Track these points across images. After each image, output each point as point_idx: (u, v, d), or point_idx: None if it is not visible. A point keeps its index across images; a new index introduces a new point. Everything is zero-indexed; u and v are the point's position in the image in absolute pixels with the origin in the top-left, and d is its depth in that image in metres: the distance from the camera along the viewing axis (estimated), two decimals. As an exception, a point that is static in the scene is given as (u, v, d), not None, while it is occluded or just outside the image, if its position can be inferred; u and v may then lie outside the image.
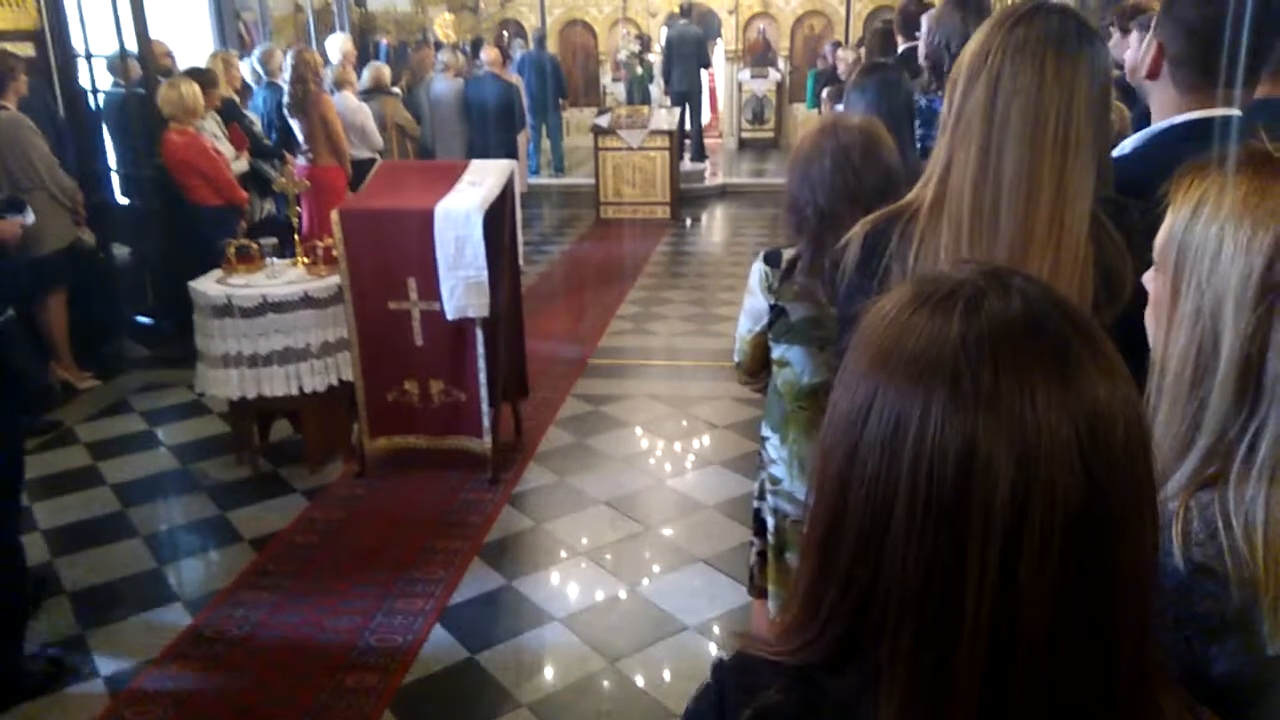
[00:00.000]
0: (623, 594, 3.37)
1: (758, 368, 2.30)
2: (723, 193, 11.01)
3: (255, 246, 4.35)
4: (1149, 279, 0.96)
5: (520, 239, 4.56)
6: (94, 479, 4.27)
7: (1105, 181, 1.35)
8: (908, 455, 0.60)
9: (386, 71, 7.70)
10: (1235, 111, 1.62)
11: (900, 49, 4.52)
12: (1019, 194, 1.31)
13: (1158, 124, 1.64)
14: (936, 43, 2.91)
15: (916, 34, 3.80)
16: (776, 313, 2.15)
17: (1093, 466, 0.58)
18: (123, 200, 6.07)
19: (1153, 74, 1.63)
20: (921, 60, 3.31)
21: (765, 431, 2.30)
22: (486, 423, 4.05)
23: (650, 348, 5.98)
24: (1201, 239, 0.87)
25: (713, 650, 3.05)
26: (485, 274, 3.77)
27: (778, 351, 2.20)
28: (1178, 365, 0.88)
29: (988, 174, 1.32)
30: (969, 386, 0.59)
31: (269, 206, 6.08)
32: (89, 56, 5.95)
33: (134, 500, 4.05)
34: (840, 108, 3.38)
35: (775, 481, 2.27)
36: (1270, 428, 0.82)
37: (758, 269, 2.17)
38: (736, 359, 2.32)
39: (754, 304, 2.20)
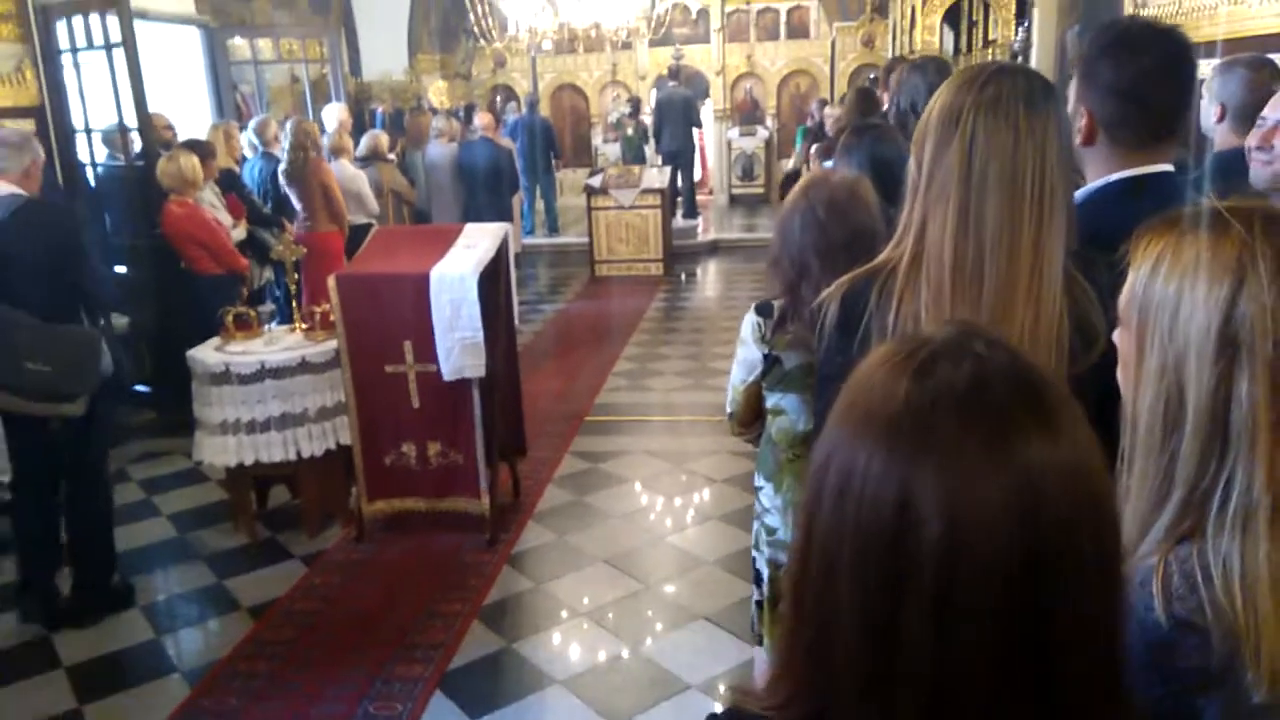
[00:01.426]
0: (625, 654, 3.34)
1: (751, 418, 2.34)
2: (715, 248, 11.14)
3: (254, 313, 4.40)
4: (1116, 336, 0.99)
5: (515, 299, 4.61)
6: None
7: (1072, 236, 1.38)
8: (851, 506, 0.62)
9: (384, 139, 7.85)
10: (1169, 166, 1.66)
11: (886, 106, 4.62)
12: (1001, 251, 1.33)
13: (1094, 182, 1.66)
14: (902, 106, 2.98)
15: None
16: (771, 362, 2.21)
17: (1027, 531, 0.60)
18: (120, 270, 6.13)
19: (1088, 141, 1.65)
20: (890, 121, 3.39)
21: (759, 481, 2.34)
22: (484, 483, 4.05)
23: (647, 403, 5.99)
24: (1161, 296, 0.89)
25: (717, 709, 3.01)
26: (481, 335, 3.81)
27: (772, 400, 2.25)
28: (1148, 420, 0.90)
29: (968, 232, 1.34)
30: (906, 444, 0.61)
31: (268, 274, 6.15)
32: (88, 131, 6.06)
33: (132, 570, 4.03)
34: (829, 164, 3.45)
35: (770, 531, 2.30)
36: (1239, 478, 0.84)
37: (750, 320, 2.24)
38: (730, 409, 2.37)
39: (747, 354, 2.25)
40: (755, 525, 2.35)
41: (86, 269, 3.49)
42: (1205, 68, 3.87)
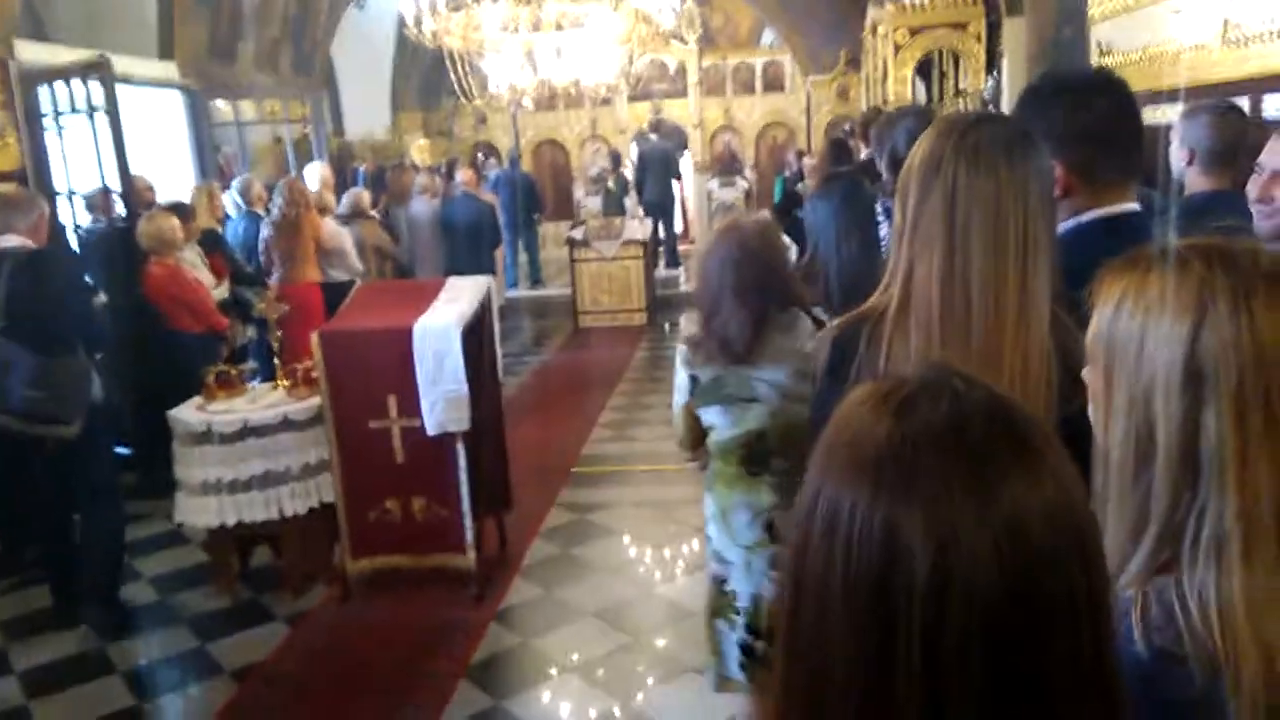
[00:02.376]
0: (616, 710, 3.28)
1: (696, 441, 2.59)
2: (698, 297, 11.19)
3: (235, 372, 4.38)
4: (1086, 374, 1.00)
5: (499, 351, 4.61)
6: (69, 616, 4.16)
7: (1056, 279, 1.41)
8: (840, 545, 0.63)
9: (365, 196, 7.91)
10: (1135, 205, 1.70)
11: (862, 155, 4.70)
12: (988, 296, 1.35)
13: (1064, 223, 1.69)
14: (887, 154, 3.03)
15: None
16: (693, 380, 2.49)
17: (1012, 569, 0.60)
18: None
19: (1067, 192, 1.67)
20: (881, 167, 3.45)
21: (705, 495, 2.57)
22: (470, 538, 4.01)
23: (633, 453, 5.98)
24: (1126, 332, 0.91)
25: (710, 763, 2.96)
26: (465, 388, 3.80)
27: (704, 417, 2.49)
28: (1119, 455, 0.91)
29: (954, 278, 1.36)
30: (890, 485, 0.62)
31: (250, 332, 6.14)
32: (70, 194, 6.08)
33: (111, 636, 3.95)
34: (805, 212, 3.51)
35: (709, 541, 2.51)
36: (1211, 509, 0.85)
37: (680, 350, 2.53)
38: (678, 435, 2.63)
39: (678, 379, 2.54)
40: None
41: (82, 310, 4.00)
42: (1171, 113, 3.97)
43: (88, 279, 4.51)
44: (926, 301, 1.38)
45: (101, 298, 4.68)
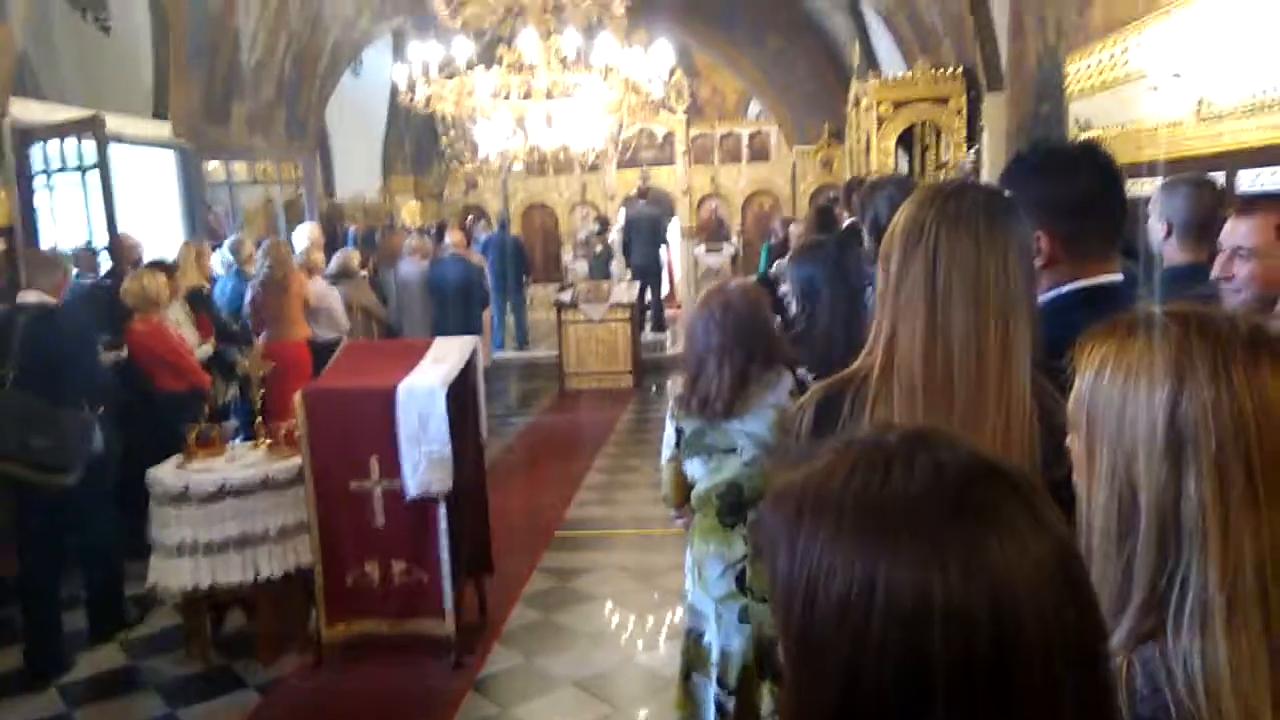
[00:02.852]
0: (595, 783, 3.19)
1: (681, 497, 2.64)
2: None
3: (216, 431, 4.33)
4: (1069, 441, 1.00)
5: (484, 412, 4.59)
6: (41, 679, 4.03)
7: (1039, 344, 1.42)
8: (823, 602, 0.62)
9: (355, 256, 7.94)
10: (1119, 276, 1.72)
11: (846, 223, 4.76)
12: (969, 359, 1.37)
13: (1046, 294, 1.71)
14: (869, 221, 3.07)
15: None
16: (679, 433, 2.57)
17: (1002, 622, 0.59)
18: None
19: (1051, 262, 1.69)
20: (869, 241, 3.49)
21: None
22: (449, 603, 3.93)
23: (617, 517, 5.92)
24: (1106, 399, 0.91)
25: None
26: (449, 449, 3.77)
27: (687, 469, 2.57)
28: (1103, 522, 0.91)
29: (936, 341, 1.38)
30: (874, 541, 0.61)
31: (233, 391, 6.10)
32: (55, 251, 6.08)
33: (80, 701, 3.83)
34: (784, 287, 3.55)
35: (685, 595, 2.57)
36: (1194, 577, 0.84)
37: (670, 406, 2.63)
38: (663, 491, 2.69)
39: (667, 434, 2.62)
40: None
41: (91, 365, 4.33)
42: (1149, 186, 4.05)
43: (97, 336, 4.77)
44: (909, 364, 1.39)
45: (117, 354, 5.07)
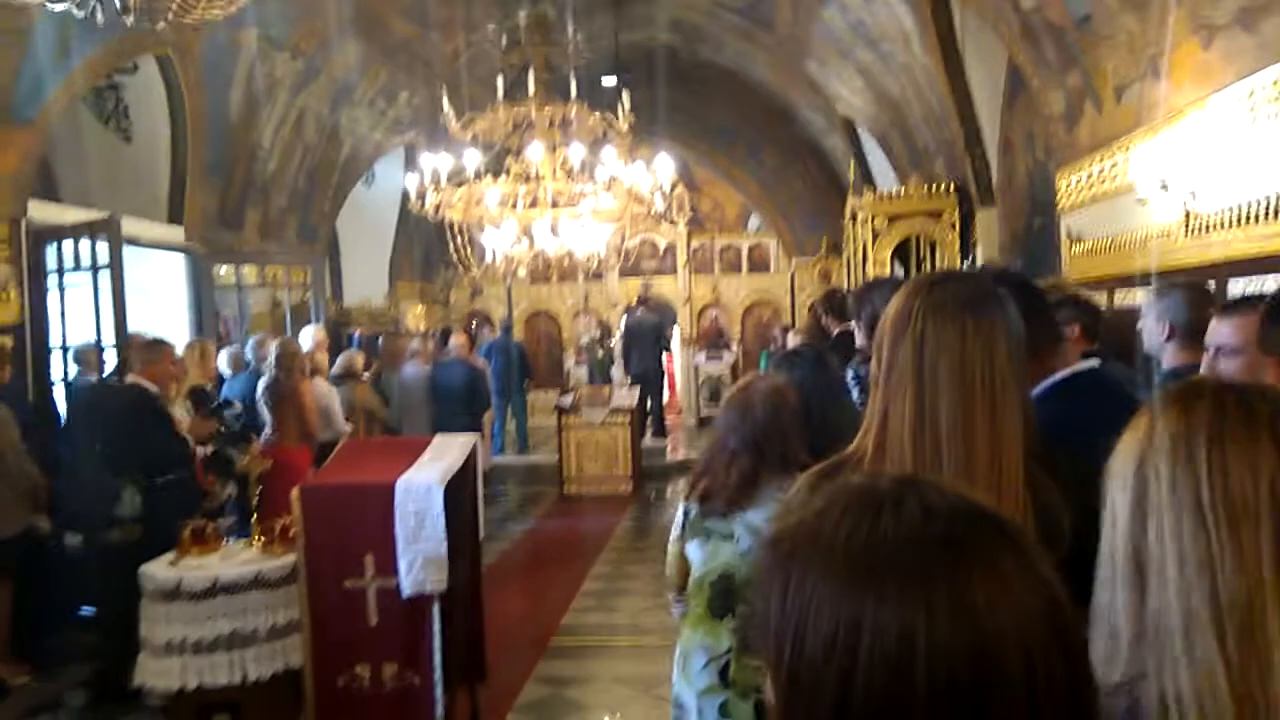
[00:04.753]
0: None
1: (683, 580, 2.62)
2: (684, 467, 11.16)
3: (211, 528, 4.29)
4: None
5: (482, 513, 4.55)
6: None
7: (1031, 430, 1.44)
8: (809, 643, 0.62)
9: (359, 358, 8.02)
10: (1091, 363, 1.88)
11: (835, 332, 4.83)
12: (957, 441, 1.39)
13: (1048, 380, 1.81)
14: (866, 318, 3.13)
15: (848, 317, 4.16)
16: (685, 514, 2.60)
17: (986, 666, 0.60)
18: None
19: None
20: (862, 338, 3.54)
21: None
22: (441, 710, 3.81)
23: (615, 625, 5.79)
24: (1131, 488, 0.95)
25: None
26: (445, 548, 3.72)
27: (688, 552, 2.56)
28: (1096, 583, 0.93)
29: (924, 423, 1.41)
30: (859, 580, 0.62)
31: (231, 489, 6.05)
32: (65, 348, 6.14)
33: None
34: None
35: (672, 687, 2.54)
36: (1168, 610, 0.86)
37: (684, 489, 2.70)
38: (668, 573, 2.69)
39: (677, 517, 2.66)
40: None
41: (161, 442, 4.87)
42: (1141, 296, 4.12)
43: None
44: (899, 445, 1.42)
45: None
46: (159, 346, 5.07)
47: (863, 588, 0.61)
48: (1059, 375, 1.79)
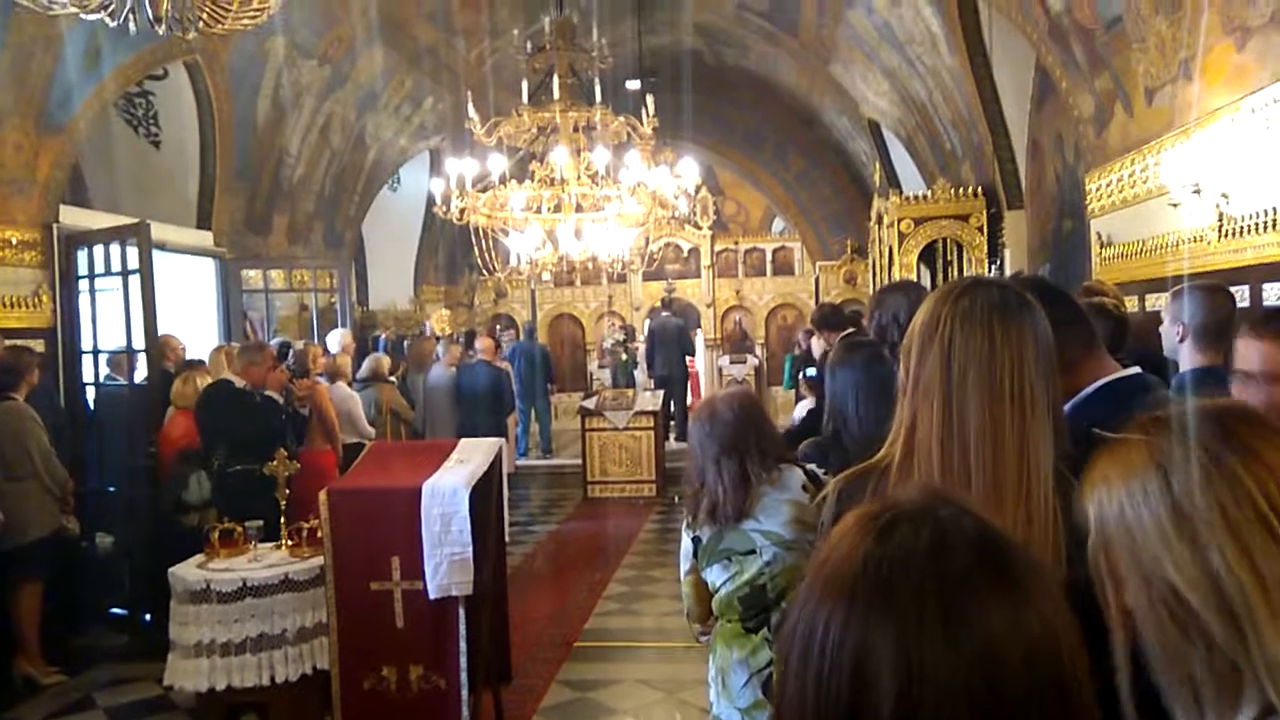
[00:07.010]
0: None
1: (705, 611, 2.59)
2: (708, 472, 11.14)
3: (239, 530, 4.33)
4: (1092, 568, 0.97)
5: (506, 517, 4.56)
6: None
7: (1062, 439, 1.42)
8: (814, 662, 0.62)
9: (385, 361, 8.08)
10: (1133, 369, 1.84)
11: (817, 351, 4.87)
12: (985, 447, 1.37)
13: (1093, 384, 1.82)
14: (883, 321, 3.11)
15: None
16: (695, 543, 2.55)
17: (984, 706, 0.58)
18: (111, 489, 6.09)
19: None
20: (872, 335, 3.52)
21: None
22: (466, 712, 3.82)
23: (639, 629, 5.78)
24: (1116, 520, 0.90)
25: None
26: (470, 550, 3.73)
27: (708, 577, 2.52)
28: (1156, 634, 0.86)
29: (952, 431, 1.40)
30: (862, 608, 0.61)
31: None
32: (96, 352, 6.22)
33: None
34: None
35: (710, 707, 2.49)
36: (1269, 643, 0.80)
37: (684, 521, 2.62)
38: (685, 607, 2.65)
39: (684, 547, 2.61)
40: None
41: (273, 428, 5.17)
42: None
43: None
44: (927, 454, 1.41)
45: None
46: (260, 350, 5.38)
47: (867, 613, 0.61)
48: (1104, 379, 1.78)
